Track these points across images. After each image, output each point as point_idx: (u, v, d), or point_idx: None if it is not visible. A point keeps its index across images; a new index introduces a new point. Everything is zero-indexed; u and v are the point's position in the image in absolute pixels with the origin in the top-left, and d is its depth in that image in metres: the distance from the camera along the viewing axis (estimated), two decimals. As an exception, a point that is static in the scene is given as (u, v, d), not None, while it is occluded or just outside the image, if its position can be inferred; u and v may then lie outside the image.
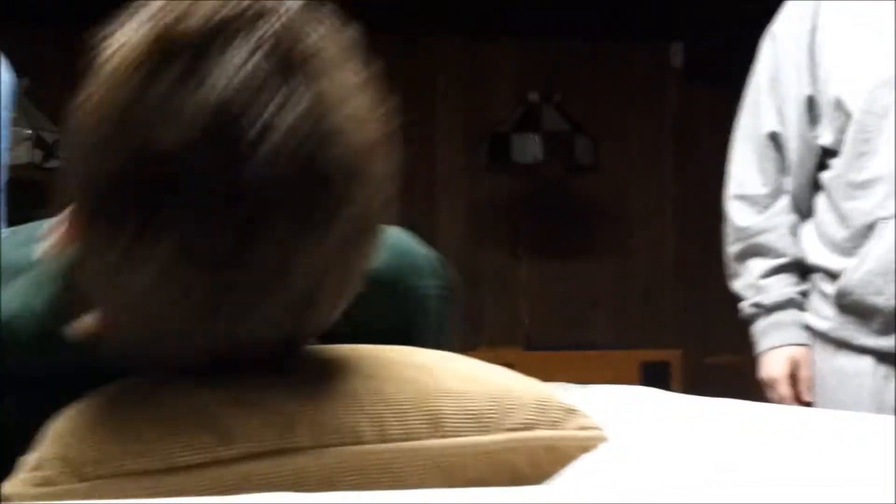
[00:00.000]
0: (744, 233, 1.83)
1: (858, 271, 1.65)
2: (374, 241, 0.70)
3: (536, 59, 4.23)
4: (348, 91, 0.66)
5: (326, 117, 0.64)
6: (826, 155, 1.74)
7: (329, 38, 0.67)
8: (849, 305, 1.69)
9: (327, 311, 0.70)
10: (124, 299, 0.67)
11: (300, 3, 0.67)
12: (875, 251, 1.63)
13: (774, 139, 1.79)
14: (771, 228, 1.79)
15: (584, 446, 0.78)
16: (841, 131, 1.69)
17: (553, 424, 0.77)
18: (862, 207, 1.66)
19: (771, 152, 1.79)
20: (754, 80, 1.84)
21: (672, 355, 3.70)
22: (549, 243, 4.19)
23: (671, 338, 4.13)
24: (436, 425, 0.73)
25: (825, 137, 1.72)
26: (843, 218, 1.70)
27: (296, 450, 0.69)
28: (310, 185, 0.64)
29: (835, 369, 1.75)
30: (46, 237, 0.73)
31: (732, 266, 1.87)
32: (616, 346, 3.93)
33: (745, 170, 1.83)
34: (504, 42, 4.22)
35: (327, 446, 0.70)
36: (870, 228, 1.65)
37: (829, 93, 1.69)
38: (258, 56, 0.63)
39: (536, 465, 0.75)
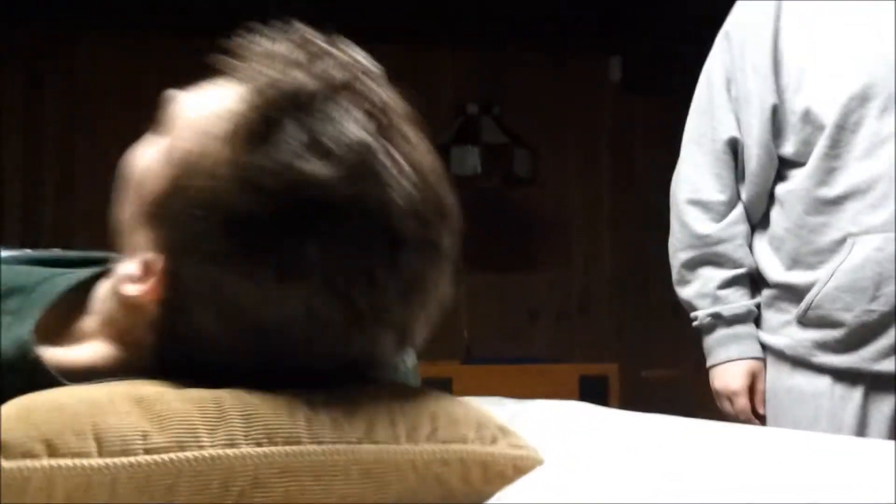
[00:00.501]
0: (700, 241, 1.77)
1: (827, 287, 1.63)
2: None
3: (475, 70, 4.24)
4: (424, 143, 0.76)
5: (431, 167, 0.75)
6: (785, 166, 1.70)
7: (404, 106, 0.77)
8: (813, 320, 1.67)
9: (419, 335, 0.79)
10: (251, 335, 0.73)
11: (379, 73, 0.75)
12: (844, 267, 1.62)
13: (733, 146, 1.74)
14: (728, 238, 1.75)
15: (518, 466, 0.77)
16: (806, 143, 1.65)
17: (485, 441, 0.76)
18: (831, 223, 1.64)
19: (728, 159, 1.74)
20: (707, 80, 1.77)
21: (609, 369, 3.71)
22: (487, 256, 4.19)
23: (609, 351, 4.14)
24: (369, 432, 0.72)
25: (787, 148, 1.68)
26: (807, 232, 1.67)
27: (230, 446, 0.69)
28: (437, 221, 0.74)
29: (789, 388, 1.72)
30: (121, 283, 0.77)
31: (681, 273, 1.81)
32: (555, 360, 3.93)
33: (699, 174, 1.77)
34: (443, 53, 4.22)
35: (259, 445, 0.69)
36: (839, 244, 1.63)
37: (796, 102, 1.65)
38: (369, 116, 0.72)
39: (468, 481, 0.75)
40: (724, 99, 1.74)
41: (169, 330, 0.77)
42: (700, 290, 1.78)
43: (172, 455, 0.67)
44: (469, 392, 2.36)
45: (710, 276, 1.77)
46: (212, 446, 0.68)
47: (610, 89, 4.40)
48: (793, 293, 1.70)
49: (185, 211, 0.74)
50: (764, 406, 1.76)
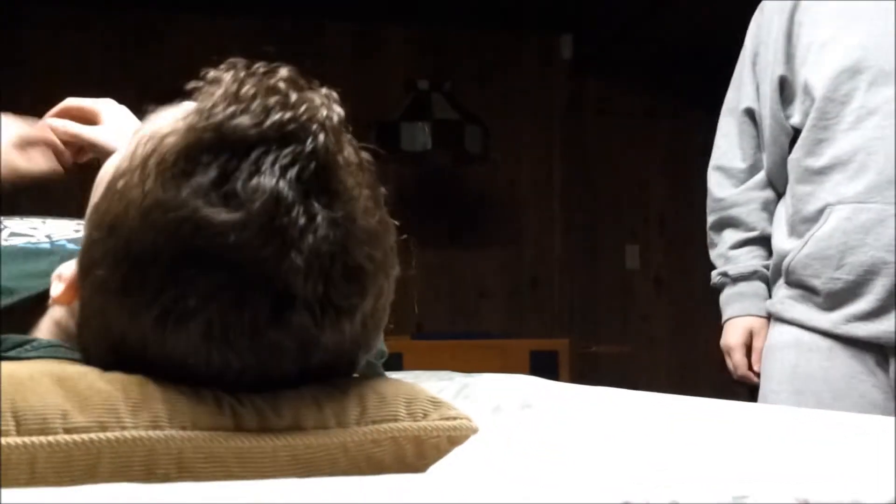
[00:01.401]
0: (719, 204, 1.87)
1: (801, 253, 1.69)
2: (380, 330, 0.78)
3: (426, 47, 4.21)
4: (369, 207, 0.73)
5: (354, 226, 0.71)
6: (797, 135, 1.76)
7: (353, 158, 0.73)
8: (793, 283, 1.73)
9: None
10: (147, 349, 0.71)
11: (333, 124, 0.72)
12: (817, 235, 1.66)
13: (751, 115, 1.83)
14: (744, 202, 1.84)
15: (452, 437, 0.76)
16: (807, 115, 1.71)
17: (417, 416, 0.75)
18: (816, 192, 1.68)
19: (748, 128, 1.84)
20: (742, 53, 1.87)
21: (560, 344, 3.73)
22: (438, 232, 4.18)
23: (559, 327, 4.16)
24: (296, 419, 0.70)
25: (795, 118, 1.74)
26: (797, 201, 1.73)
27: (153, 428, 0.67)
28: (343, 284, 0.70)
29: (769, 345, 1.79)
30: (56, 282, 0.79)
31: (709, 235, 1.91)
32: (505, 336, 3.94)
33: (726, 142, 1.88)
34: (394, 29, 4.19)
35: (184, 429, 0.68)
36: (820, 213, 1.67)
37: (801, 74, 1.72)
38: (297, 168, 0.69)
39: (402, 458, 0.74)
40: (749, 70, 1.83)
41: (78, 335, 0.78)
42: (718, 252, 1.89)
43: (93, 435, 0.65)
44: (420, 367, 2.36)
45: (727, 238, 1.87)
46: (134, 428, 0.66)
47: (561, 67, 4.39)
48: (780, 257, 1.77)
49: (92, 230, 0.74)
50: (759, 364, 1.82)
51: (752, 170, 1.85)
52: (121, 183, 0.72)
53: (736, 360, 1.84)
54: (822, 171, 1.67)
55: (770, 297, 1.82)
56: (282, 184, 0.68)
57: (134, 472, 0.66)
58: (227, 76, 0.72)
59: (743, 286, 1.84)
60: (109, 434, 0.65)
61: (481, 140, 3.89)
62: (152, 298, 0.68)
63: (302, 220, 0.68)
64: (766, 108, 1.78)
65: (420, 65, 4.12)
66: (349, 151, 0.73)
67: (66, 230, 1.06)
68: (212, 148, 0.69)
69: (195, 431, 0.68)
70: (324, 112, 0.72)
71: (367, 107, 3.97)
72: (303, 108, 0.71)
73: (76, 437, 0.65)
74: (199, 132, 0.70)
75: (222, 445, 0.68)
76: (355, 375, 0.80)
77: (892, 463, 0.64)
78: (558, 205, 4.35)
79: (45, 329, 0.85)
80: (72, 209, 1.11)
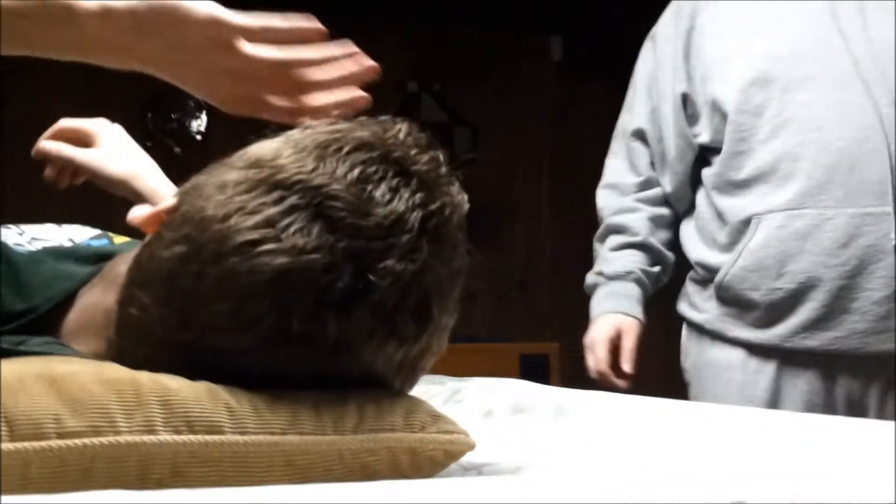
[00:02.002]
0: (604, 212, 1.86)
1: (735, 267, 1.66)
2: (405, 386, 0.82)
3: (415, 48, 4.21)
4: (454, 286, 0.80)
5: (440, 284, 0.78)
6: (707, 152, 1.75)
7: (462, 244, 0.81)
8: (728, 299, 1.70)
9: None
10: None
11: (462, 210, 0.80)
12: (750, 247, 1.64)
13: (641, 136, 1.82)
14: (630, 210, 1.82)
15: (449, 451, 0.76)
16: (717, 131, 1.70)
17: (415, 428, 0.75)
18: (738, 204, 1.67)
19: (639, 147, 1.83)
20: (633, 81, 1.87)
21: (550, 348, 3.73)
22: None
23: (549, 331, 4.16)
24: (293, 423, 0.70)
25: (703, 136, 1.73)
26: (720, 214, 1.71)
27: (148, 432, 0.67)
28: (408, 310, 0.75)
29: (707, 362, 1.75)
30: (138, 210, 0.82)
31: (595, 247, 1.89)
32: (495, 339, 3.93)
33: (617, 162, 1.87)
34: (383, 30, 4.18)
35: (178, 432, 0.67)
36: (745, 224, 1.65)
37: (706, 93, 1.70)
38: (424, 212, 0.76)
39: (397, 469, 0.73)
40: (643, 94, 1.83)
41: (133, 266, 0.81)
42: (599, 256, 1.86)
43: (87, 440, 0.64)
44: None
45: (608, 243, 1.85)
46: (129, 432, 0.66)
47: (551, 69, 4.40)
48: (710, 272, 1.73)
49: (224, 164, 0.79)
50: (630, 364, 1.79)
51: (644, 185, 1.83)
52: (274, 144, 0.79)
53: (598, 355, 1.79)
54: (745, 183, 1.66)
55: (640, 301, 1.80)
56: (410, 214, 0.75)
57: (128, 477, 0.65)
58: (400, 124, 0.80)
59: (617, 285, 1.81)
60: (103, 439, 0.65)
61: (471, 142, 3.89)
62: (254, 226, 0.73)
63: (409, 247, 0.74)
64: (670, 129, 1.77)
65: (409, 66, 4.12)
66: (462, 239, 0.81)
67: (85, 234, 1.07)
68: (367, 153, 0.76)
69: (190, 436, 0.67)
70: (458, 197, 0.80)
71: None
72: (444, 180, 0.79)
73: (69, 442, 0.64)
74: (361, 138, 0.77)
75: (217, 450, 0.68)
76: None
77: (889, 465, 0.64)
78: (548, 207, 4.35)
79: (73, 318, 0.87)
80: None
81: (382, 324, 0.74)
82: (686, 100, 1.75)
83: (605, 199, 1.87)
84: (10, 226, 1.02)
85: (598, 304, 1.83)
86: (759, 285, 1.64)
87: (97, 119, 1.19)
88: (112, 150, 1.15)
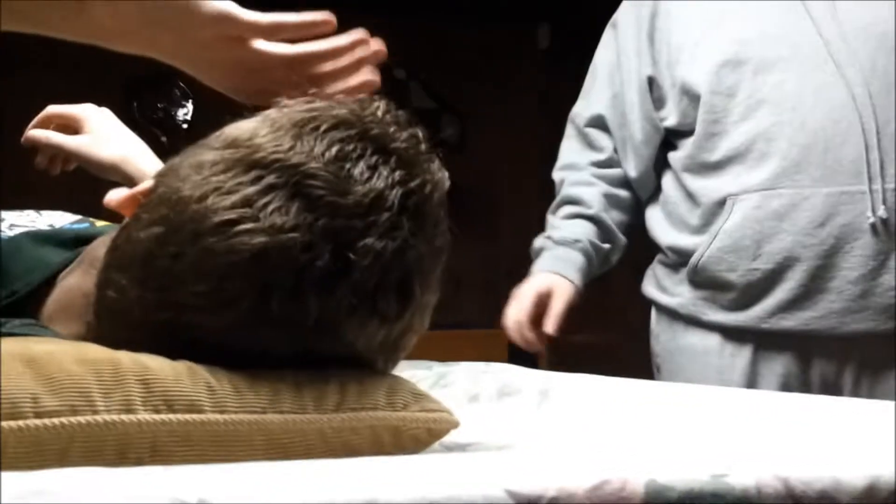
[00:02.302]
0: (560, 186, 1.84)
1: (711, 248, 1.65)
2: (389, 366, 0.81)
3: (403, 35, 4.19)
4: (435, 263, 0.80)
5: (421, 262, 0.77)
6: (673, 136, 1.74)
7: (443, 223, 0.80)
8: (702, 281, 1.69)
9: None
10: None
11: (442, 187, 0.79)
12: (726, 228, 1.64)
13: (600, 122, 1.81)
14: (585, 183, 1.81)
15: (432, 429, 0.76)
16: (685, 114, 1.69)
17: (397, 407, 0.74)
18: (712, 185, 1.66)
19: (595, 132, 1.82)
20: (592, 68, 1.85)
21: (538, 335, 3.72)
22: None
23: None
24: (274, 402, 0.69)
25: (670, 120, 1.72)
26: (692, 196, 1.70)
27: (126, 412, 0.66)
28: (391, 288, 0.75)
29: (682, 347, 1.74)
30: (115, 193, 0.82)
31: (547, 220, 1.86)
32: (483, 326, 3.93)
33: (574, 144, 1.86)
34: (370, 17, 4.17)
35: (157, 412, 0.67)
36: (720, 206, 1.65)
37: (673, 76, 1.70)
38: (404, 190, 0.75)
39: (379, 448, 0.73)
40: (605, 82, 1.81)
41: (111, 248, 0.80)
42: (550, 225, 1.84)
43: (64, 419, 0.64)
44: (396, 358, 2.34)
45: (560, 213, 1.83)
46: (106, 411, 0.65)
47: (538, 57, 4.39)
48: (682, 256, 1.72)
49: (200, 146, 0.78)
50: (553, 325, 1.75)
51: (604, 164, 1.81)
52: (250, 124, 0.78)
53: (521, 304, 1.75)
54: (719, 165, 1.65)
55: (582, 269, 1.77)
56: (389, 191, 0.74)
57: (106, 457, 0.64)
58: (378, 102, 0.80)
59: (561, 250, 1.78)
60: (80, 418, 0.64)
61: (458, 129, 3.88)
62: (231, 206, 0.72)
63: (389, 225, 0.74)
64: (635, 112, 1.75)
65: (396, 53, 4.11)
66: (443, 216, 0.80)
67: (65, 219, 1.07)
68: (345, 131, 0.75)
69: (169, 415, 0.66)
70: (438, 174, 0.79)
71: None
72: (424, 157, 0.79)
73: (47, 421, 0.64)
74: (338, 116, 0.77)
75: (197, 429, 0.67)
76: None
77: (871, 443, 0.64)
78: (536, 195, 4.34)
79: (53, 301, 0.87)
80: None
81: (363, 302, 0.73)
82: (652, 83, 1.74)
83: (562, 175, 1.86)
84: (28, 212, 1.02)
85: (538, 264, 1.81)
86: (735, 266, 1.64)
87: (85, 104, 1.19)
88: (101, 134, 1.15)
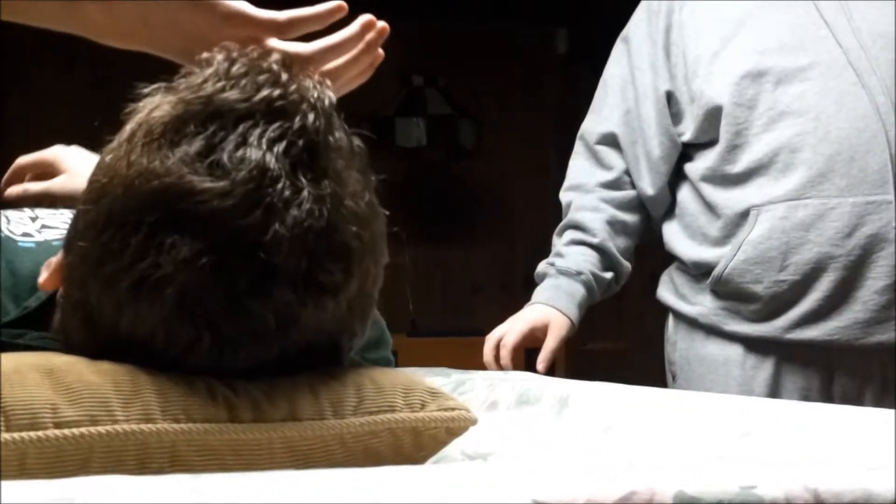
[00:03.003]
0: (568, 208, 1.82)
1: (735, 260, 1.64)
2: (367, 317, 0.76)
3: (421, 42, 4.19)
4: (357, 190, 0.72)
5: (341, 205, 0.70)
6: (691, 149, 1.73)
7: (343, 142, 0.73)
8: (725, 293, 1.68)
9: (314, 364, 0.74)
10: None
11: (323, 105, 0.72)
12: (750, 239, 1.62)
13: (611, 140, 1.78)
14: (592, 209, 1.78)
15: (450, 428, 0.75)
16: (702, 128, 1.68)
17: (415, 407, 0.73)
18: (735, 197, 1.65)
19: (607, 150, 1.79)
20: (603, 83, 1.83)
21: (555, 341, 3.70)
22: (432, 228, 4.16)
23: (554, 324, 4.14)
24: (292, 409, 0.69)
25: (688, 134, 1.71)
26: (712, 208, 1.69)
27: (145, 421, 0.66)
28: (329, 262, 0.69)
29: (701, 357, 1.72)
30: (45, 269, 0.78)
31: (553, 242, 1.84)
32: (500, 333, 3.92)
33: (585, 163, 1.83)
34: (388, 23, 4.17)
35: (177, 421, 0.66)
36: (743, 217, 1.64)
37: (690, 90, 1.68)
38: (285, 143, 0.69)
39: (399, 449, 0.72)
40: (616, 99, 1.78)
41: (58, 322, 0.77)
42: (554, 251, 1.82)
43: (84, 429, 0.63)
44: (415, 365, 2.34)
45: (565, 237, 1.81)
46: (126, 421, 0.65)
47: (556, 62, 4.38)
48: (704, 268, 1.70)
49: (84, 202, 0.73)
50: (545, 364, 1.74)
51: (612, 185, 1.78)
52: (109, 157, 0.72)
53: (515, 330, 1.74)
54: (741, 177, 1.64)
55: (581, 304, 1.75)
56: (268, 156, 0.68)
57: (127, 467, 0.64)
58: (219, 56, 0.72)
59: (562, 281, 1.76)
60: (101, 428, 0.64)
61: (475, 135, 3.87)
62: (129, 265, 0.67)
63: (287, 193, 0.68)
64: (652, 128, 1.73)
65: (414, 59, 4.10)
66: (339, 135, 0.73)
67: None
68: (199, 119, 0.69)
69: (188, 424, 0.66)
70: (315, 94, 0.72)
71: (361, 102, 3.92)
72: (293, 88, 0.71)
73: (66, 431, 0.63)
74: (186, 104, 0.70)
75: (216, 438, 0.67)
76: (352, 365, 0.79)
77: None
78: (552, 200, 4.32)
79: (58, 320, 0.84)
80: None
81: (307, 290, 0.69)
82: (670, 98, 1.72)
83: (569, 197, 1.83)
84: (26, 209, 1.00)
85: (538, 293, 1.79)
86: (761, 278, 1.62)
87: (53, 147, 1.18)
88: (78, 170, 1.11)
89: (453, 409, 0.76)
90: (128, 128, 0.73)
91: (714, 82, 1.65)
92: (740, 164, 1.65)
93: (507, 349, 1.75)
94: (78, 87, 3.81)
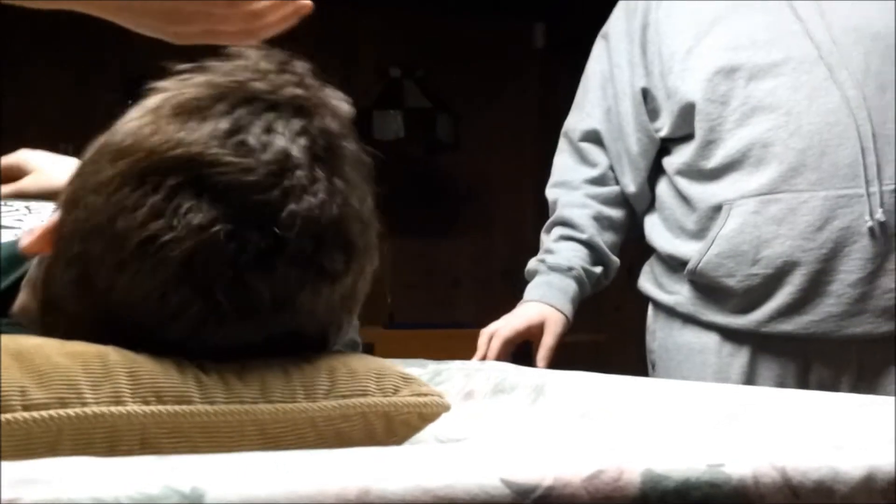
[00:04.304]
0: (555, 205, 1.82)
1: (708, 254, 1.65)
2: (353, 314, 0.80)
3: (398, 33, 4.19)
4: (363, 196, 0.77)
5: (349, 205, 0.74)
6: (668, 143, 1.74)
7: (355, 152, 0.77)
8: (701, 285, 1.69)
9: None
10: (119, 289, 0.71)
11: (342, 115, 0.77)
12: (723, 234, 1.63)
13: (594, 137, 1.79)
14: (579, 205, 1.79)
15: (423, 414, 0.76)
16: (677, 124, 1.69)
17: (388, 392, 0.74)
18: (709, 191, 1.66)
19: (590, 147, 1.80)
20: (584, 80, 1.84)
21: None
22: (410, 222, 4.16)
23: (532, 317, 4.15)
24: (263, 391, 0.69)
25: (665, 130, 1.72)
26: (688, 201, 1.70)
27: (115, 403, 0.66)
28: (334, 251, 0.73)
29: (678, 345, 1.73)
30: (27, 235, 0.79)
31: (541, 239, 1.85)
32: (478, 326, 3.92)
33: (568, 160, 1.84)
34: (365, 15, 4.16)
35: (147, 403, 0.66)
36: (716, 211, 1.65)
37: (666, 86, 1.69)
38: (307, 138, 0.73)
39: (371, 434, 0.73)
40: (597, 96, 1.79)
41: (43, 289, 0.77)
42: (543, 248, 1.82)
43: (53, 412, 0.63)
44: (392, 357, 2.34)
45: (554, 234, 1.81)
46: (96, 403, 0.65)
47: (534, 56, 4.38)
48: (680, 262, 1.71)
49: (93, 163, 0.74)
50: (545, 362, 1.76)
51: (597, 181, 1.79)
52: (132, 124, 0.74)
53: (511, 326, 1.74)
54: (716, 172, 1.65)
55: (574, 299, 1.76)
56: (292, 146, 0.72)
57: (96, 449, 0.64)
58: (251, 52, 0.77)
59: (555, 277, 1.77)
60: (70, 410, 0.64)
61: (453, 128, 3.87)
62: (142, 224, 0.69)
63: (305, 181, 0.71)
64: (630, 125, 1.74)
65: (391, 51, 4.10)
66: (352, 143, 0.77)
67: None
68: (230, 101, 0.73)
69: (158, 406, 0.66)
70: (335, 102, 0.77)
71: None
72: (317, 93, 0.76)
73: (35, 414, 0.63)
74: (217, 86, 0.74)
75: (187, 420, 0.67)
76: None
77: (869, 434, 0.64)
78: (531, 194, 4.34)
79: (17, 312, 0.83)
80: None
81: (308, 271, 0.72)
82: (646, 95, 1.73)
83: (556, 194, 1.83)
84: (15, 204, 1.01)
85: (530, 291, 1.80)
86: (734, 272, 1.63)
87: (17, 152, 1.18)
88: (45, 167, 1.13)
89: (426, 395, 0.77)
90: (154, 100, 0.75)
91: (688, 79, 1.66)
92: (714, 160, 1.65)
93: (498, 340, 1.76)
94: (66, 86, 3.79)
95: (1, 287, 0.85)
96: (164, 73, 0.78)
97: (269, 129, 0.72)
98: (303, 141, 0.72)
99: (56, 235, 0.76)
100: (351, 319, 0.79)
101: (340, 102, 0.78)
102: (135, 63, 4.11)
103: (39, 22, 3.92)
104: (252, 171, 0.70)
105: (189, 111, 0.72)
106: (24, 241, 0.78)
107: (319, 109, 0.75)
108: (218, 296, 0.69)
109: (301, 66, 0.77)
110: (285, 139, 0.72)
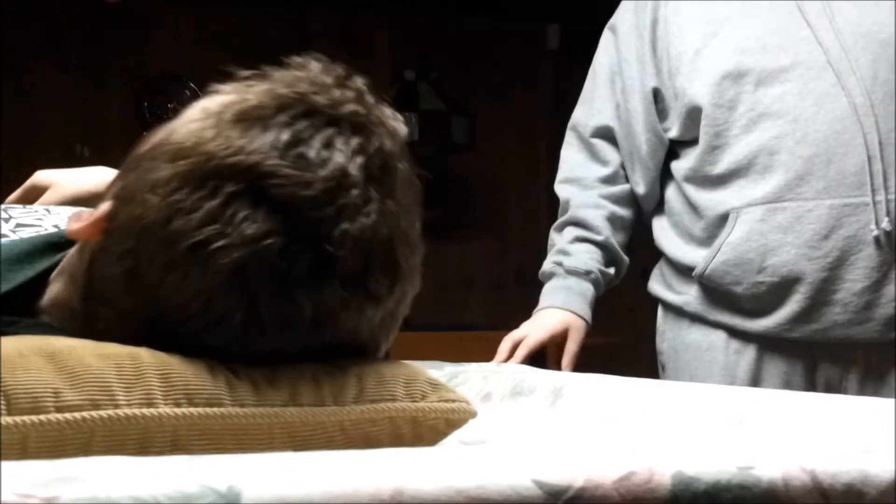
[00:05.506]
0: (568, 204, 1.80)
1: (714, 262, 1.64)
2: (389, 338, 0.79)
3: (413, 36, 4.20)
4: (413, 219, 0.78)
5: (399, 227, 0.75)
6: (677, 146, 1.73)
7: (408, 174, 0.78)
8: (710, 288, 1.68)
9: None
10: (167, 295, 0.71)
11: (398, 135, 0.77)
12: (729, 241, 1.63)
13: (607, 133, 1.78)
14: (594, 206, 1.77)
15: (450, 420, 0.76)
16: (685, 126, 1.68)
17: (416, 397, 0.74)
18: (716, 198, 1.65)
19: (601, 143, 1.79)
20: (592, 72, 1.82)
21: (547, 336, 3.71)
22: (424, 224, 4.16)
23: (546, 319, 4.14)
24: (293, 396, 0.69)
25: (673, 131, 1.71)
26: (695, 208, 1.69)
27: (147, 406, 0.66)
28: (380, 275, 0.73)
29: (686, 344, 1.73)
30: (75, 220, 0.78)
31: (551, 237, 1.83)
32: (492, 328, 3.93)
33: (578, 156, 1.82)
34: (380, 19, 4.17)
35: (178, 405, 0.67)
36: (723, 219, 1.64)
37: (674, 87, 1.68)
38: (364, 157, 0.73)
39: (399, 440, 0.73)
40: (607, 90, 1.78)
41: (86, 280, 0.77)
42: (557, 248, 1.80)
43: (85, 413, 0.64)
44: (407, 359, 2.34)
45: (567, 235, 1.79)
46: (128, 405, 0.65)
47: (548, 57, 4.39)
48: (688, 267, 1.71)
49: (150, 159, 0.74)
50: (570, 368, 1.76)
51: (610, 180, 1.78)
52: (194, 125, 0.74)
53: (536, 337, 1.74)
54: (722, 178, 1.64)
55: (591, 303, 1.75)
56: (350, 164, 0.72)
57: (127, 451, 0.64)
58: (311, 63, 0.77)
59: (573, 281, 1.75)
60: (102, 412, 0.64)
61: (468, 130, 3.88)
62: (196, 227, 0.69)
63: (360, 201, 0.71)
64: (640, 124, 1.73)
65: (406, 54, 4.11)
66: (405, 165, 0.77)
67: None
68: (292, 113, 0.73)
69: (189, 409, 0.66)
70: (392, 122, 0.77)
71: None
72: (375, 111, 0.76)
73: (68, 415, 0.64)
74: (279, 96, 0.74)
75: (217, 423, 0.67)
76: None
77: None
78: (544, 196, 4.34)
79: (46, 308, 0.83)
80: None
81: (354, 290, 0.72)
82: (656, 95, 1.72)
83: (568, 192, 1.81)
84: (34, 206, 1.01)
85: (549, 295, 1.78)
86: (741, 279, 1.63)
87: (33, 176, 1.19)
88: (61, 181, 1.13)
89: (454, 401, 0.77)
90: (216, 103, 0.75)
91: (695, 81, 1.65)
92: (720, 166, 1.64)
93: (526, 348, 1.75)
94: (71, 87, 3.80)
95: (27, 278, 0.85)
96: (225, 77, 0.78)
97: (328, 145, 0.72)
98: (359, 159, 0.72)
99: (107, 225, 0.76)
100: (388, 341, 0.79)
101: (397, 122, 0.78)
102: (148, 66, 4.14)
103: (47, 25, 3.94)
104: (310, 185, 0.70)
105: (251, 119, 0.72)
106: (73, 226, 0.78)
107: (377, 128, 0.75)
108: (262, 307, 0.70)
109: (359, 81, 0.77)
110: (343, 156, 0.72)
